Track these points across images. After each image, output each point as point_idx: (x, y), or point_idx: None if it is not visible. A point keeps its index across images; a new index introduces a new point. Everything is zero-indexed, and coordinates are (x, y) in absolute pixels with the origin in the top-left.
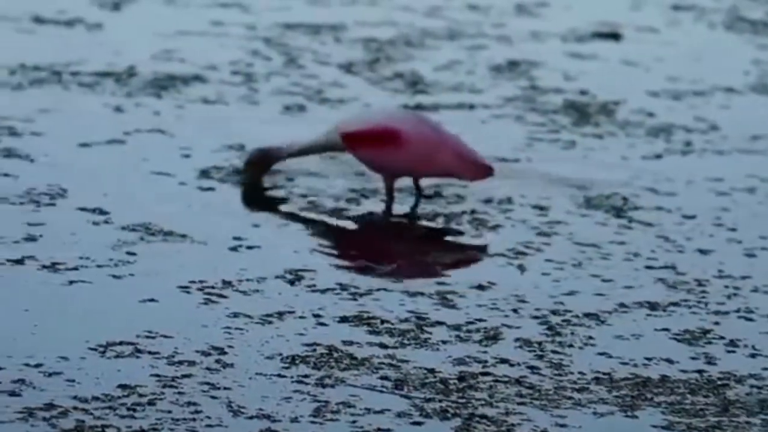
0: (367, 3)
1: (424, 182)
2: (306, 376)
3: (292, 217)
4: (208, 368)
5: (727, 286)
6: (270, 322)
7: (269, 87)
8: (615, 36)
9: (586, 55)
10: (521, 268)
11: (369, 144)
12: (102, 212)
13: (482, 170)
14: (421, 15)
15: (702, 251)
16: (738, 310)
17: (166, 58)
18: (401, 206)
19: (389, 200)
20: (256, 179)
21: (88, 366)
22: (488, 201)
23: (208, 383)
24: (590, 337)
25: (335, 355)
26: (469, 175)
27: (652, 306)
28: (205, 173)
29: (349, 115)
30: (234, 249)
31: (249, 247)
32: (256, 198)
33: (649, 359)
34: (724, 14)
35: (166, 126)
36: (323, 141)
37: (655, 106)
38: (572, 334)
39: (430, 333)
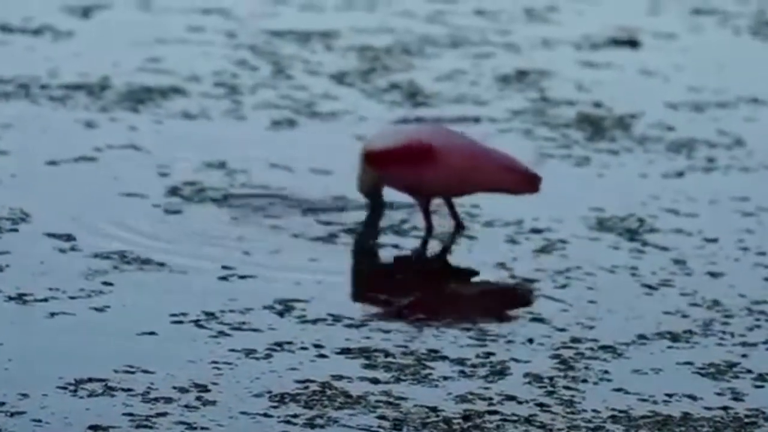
0: (364, 8)
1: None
2: (295, 415)
3: (285, 244)
4: (186, 406)
5: (755, 317)
6: (263, 357)
7: (255, 100)
8: (632, 43)
9: (600, 63)
10: (538, 296)
11: (399, 163)
12: (70, 238)
13: (531, 181)
14: (421, 20)
15: (725, 277)
16: (766, 342)
17: (142, 68)
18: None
19: (428, 225)
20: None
21: (56, 405)
22: (495, 224)
23: (184, 423)
24: (606, 372)
25: (329, 392)
26: (518, 187)
27: (673, 337)
28: (184, 195)
29: (372, 135)
30: (223, 278)
31: (240, 277)
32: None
33: (670, 395)
34: (750, 19)
35: (142, 142)
36: (360, 173)
37: (675, 119)
38: (586, 368)
39: (432, 368)
